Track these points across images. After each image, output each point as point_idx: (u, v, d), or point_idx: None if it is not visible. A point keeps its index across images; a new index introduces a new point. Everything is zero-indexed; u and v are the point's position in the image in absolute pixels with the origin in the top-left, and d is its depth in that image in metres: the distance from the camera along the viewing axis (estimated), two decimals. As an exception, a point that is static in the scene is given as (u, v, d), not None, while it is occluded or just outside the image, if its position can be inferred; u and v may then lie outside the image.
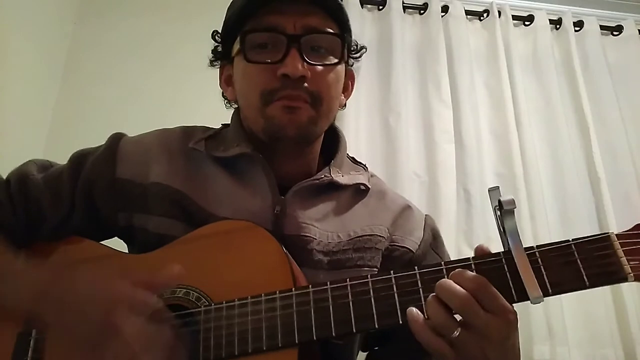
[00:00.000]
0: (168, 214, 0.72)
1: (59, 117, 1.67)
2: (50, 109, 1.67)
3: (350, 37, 0.80)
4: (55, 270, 0.62)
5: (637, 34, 2.09)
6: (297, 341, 0.58)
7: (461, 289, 0.53)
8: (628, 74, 2.02)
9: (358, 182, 0.79)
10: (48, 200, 0.74)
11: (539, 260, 0.56)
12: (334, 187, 0.77)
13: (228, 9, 0.79)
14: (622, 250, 0.55)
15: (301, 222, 0.72)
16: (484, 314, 0.53)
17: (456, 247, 1.63)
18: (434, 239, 0.82)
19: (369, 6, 1.96)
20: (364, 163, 0.87)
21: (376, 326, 0.57)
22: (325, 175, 0.76)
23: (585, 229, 1.71)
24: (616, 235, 0.56)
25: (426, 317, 0.55)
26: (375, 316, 0.57)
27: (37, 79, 1.61)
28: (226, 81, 0.82)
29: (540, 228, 1.67)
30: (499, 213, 0.59)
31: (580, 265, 0.55)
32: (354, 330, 0.58)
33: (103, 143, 0.80)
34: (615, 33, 2.12)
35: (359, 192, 0.80)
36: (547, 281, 0.55)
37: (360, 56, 0.87)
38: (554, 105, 1.89)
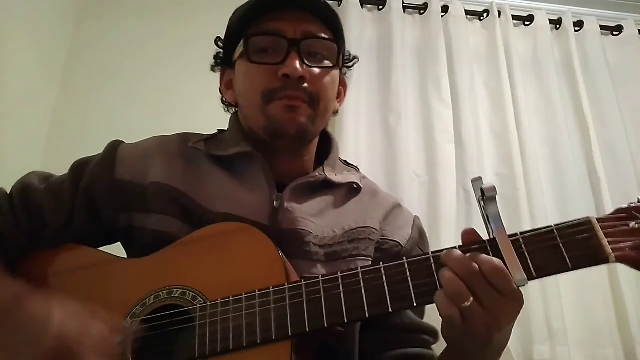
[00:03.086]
0: (167, 211, 0.74)
1: (58, 118, 1.67)
2: (50, 109, 1.68)
3: (345, 46, 0.85)
4: (19, 293, 0.61)
5: (637, 34, 2.09)
6: (290, 334, 0.59)
7: (467, 258, 0.56)
8: (628, 74, 2.02)
9: (351, 181, 0.83)
10: (49, 206, 0.76)
11: (523, 245, 0.58)
12: (328, 186, 0.81)
13: (231, 17, 0.83)
14: (603, 232, 0.57)
15: (298, 216, 0.74)
16: (497, 294, 0.55)
17: (456, 247, 1.63)
18: (420, 238, 0.86)
19: (369, 6, 1.96)
20: (356, 165, 0.91)
21: (367, 315, 0.59)
22: (319, 174, 0.81)
23: (586, 229, 1.71)
24: (597, 219, 0.59)
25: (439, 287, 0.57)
26: (365, 306, 0.59)
27: (36, 79, 1.61)
28: (227, 85, 0.87)
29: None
30: (482, 203, 0.60)
31: (563, 249, 0.57)
32: (345, 321, 0.59)
33: (102, 150, 0.83)
34: (615, 33, 2.12)
35: (352, 190, 0.83)
36: (531, 265, 0.57)
37: (352, 65, 0.92)
38: (554, 105, 1.89)
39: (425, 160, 1.77)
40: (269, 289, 0.62)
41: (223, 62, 0.87)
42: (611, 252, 0.56)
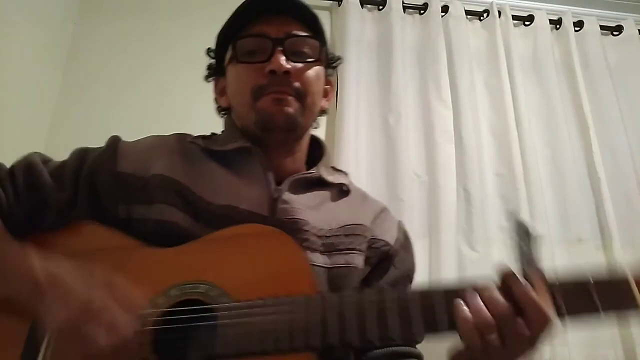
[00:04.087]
0: (169, 201, 0.75)
1: (58, 117, 1.67)
2: (50, 109, 1.67)
3: (327, 45, 0.90)
4: (55, 267, 0.62)
5: (637, 34, 2.09)
6: (315, 345, 0.59)
7: (506, 304, 0.58)
8: (628, 74, 2.02)
9: (341, 182, 0.88)
10: (52, 186, 0.76)
11: (556, 293, 0.59)
12: (321, 184, 0.86)
13: (220, 30, 0.88)
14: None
15: (296, 207, 0.78)
16: (526, 338, 0.57)
17: (456, 247, 1.63)
18: (405, 240, 0.91)
19: (369, 6, 1.96)
20: (345, 171, 0.96)
21: (397, 340, 0.60)
22: (314, 171, 0.85)
23: (585, 229, 1.72)
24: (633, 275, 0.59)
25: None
26: (397, 328, 0.59)
27: (37, 79, 1.60)
28: (220, 92, 0.92)
29: (540, 228, 1.67)
30: (522, 242, 0.61)
31: (599, 304, 0.59)
32: (376, 343, 0.59)
33: (103, 145, 0.84)
34: (615, 33, 2.12)
35: (342, 192, 0.88)
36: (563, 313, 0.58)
37: (337, 65, 0.96)
38: (554, 105, 1.89)
39: (425, 160, 1.77)
40: (297, 296, 0.62)
41: (216, 71, 0.92)
42: None
